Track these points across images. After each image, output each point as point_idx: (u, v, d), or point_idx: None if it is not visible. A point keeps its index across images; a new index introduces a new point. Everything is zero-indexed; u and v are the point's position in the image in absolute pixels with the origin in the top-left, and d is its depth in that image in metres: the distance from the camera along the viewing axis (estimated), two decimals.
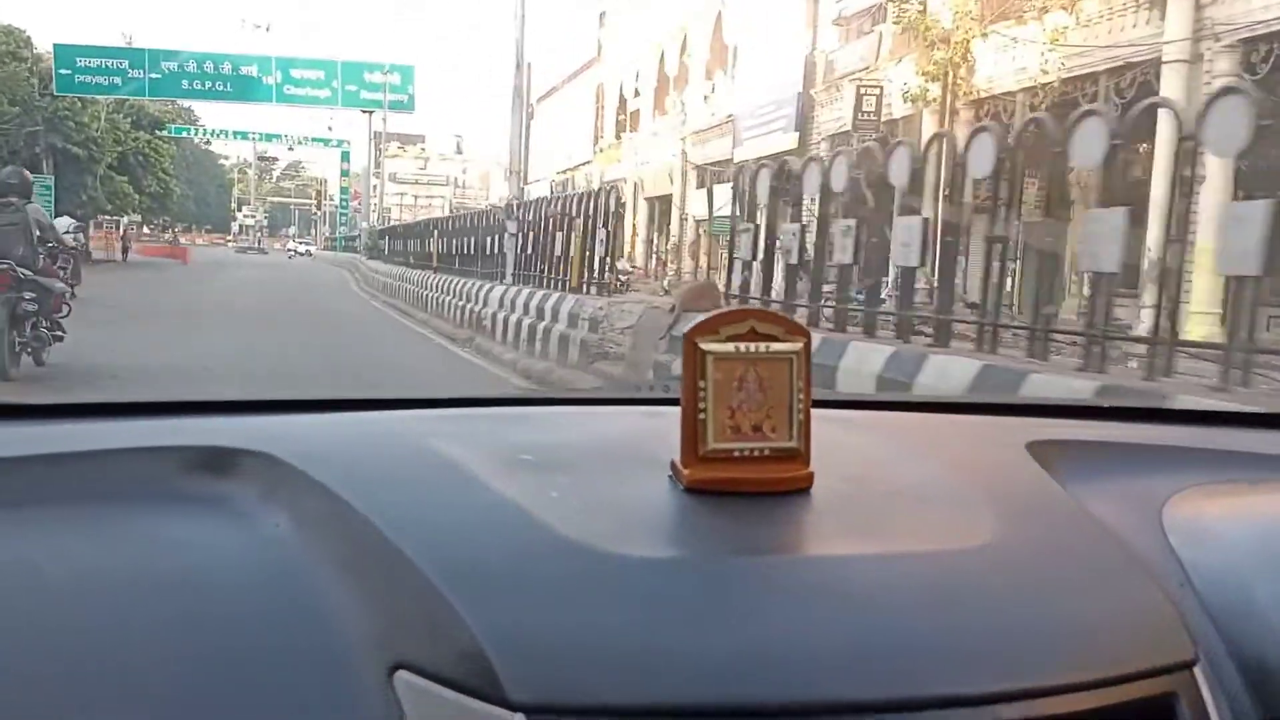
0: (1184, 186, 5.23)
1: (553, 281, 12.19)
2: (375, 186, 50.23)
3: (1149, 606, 0.73)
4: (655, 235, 32.68)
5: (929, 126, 17.25)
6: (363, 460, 0.86)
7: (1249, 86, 5.39)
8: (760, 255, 8.11)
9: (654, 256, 31.11)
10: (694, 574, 0.70)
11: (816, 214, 7.60)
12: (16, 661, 0.63)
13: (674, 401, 0.80)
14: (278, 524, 0.75)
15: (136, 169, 38.09)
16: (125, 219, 42.52)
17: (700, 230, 25.32)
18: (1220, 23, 12.70)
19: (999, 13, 15.77)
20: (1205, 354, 5.14)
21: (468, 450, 0.86)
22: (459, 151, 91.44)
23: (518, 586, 0.67)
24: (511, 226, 13.99)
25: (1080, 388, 4.34)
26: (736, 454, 0.78)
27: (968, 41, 15.99)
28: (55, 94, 32.51)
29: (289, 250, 67.99)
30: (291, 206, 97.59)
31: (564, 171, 41.49)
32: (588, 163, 38.96)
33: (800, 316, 6.80)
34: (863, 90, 18.45)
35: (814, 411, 0.80)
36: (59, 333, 8.53)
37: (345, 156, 65.21)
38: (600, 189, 13.76)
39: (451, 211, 48.62)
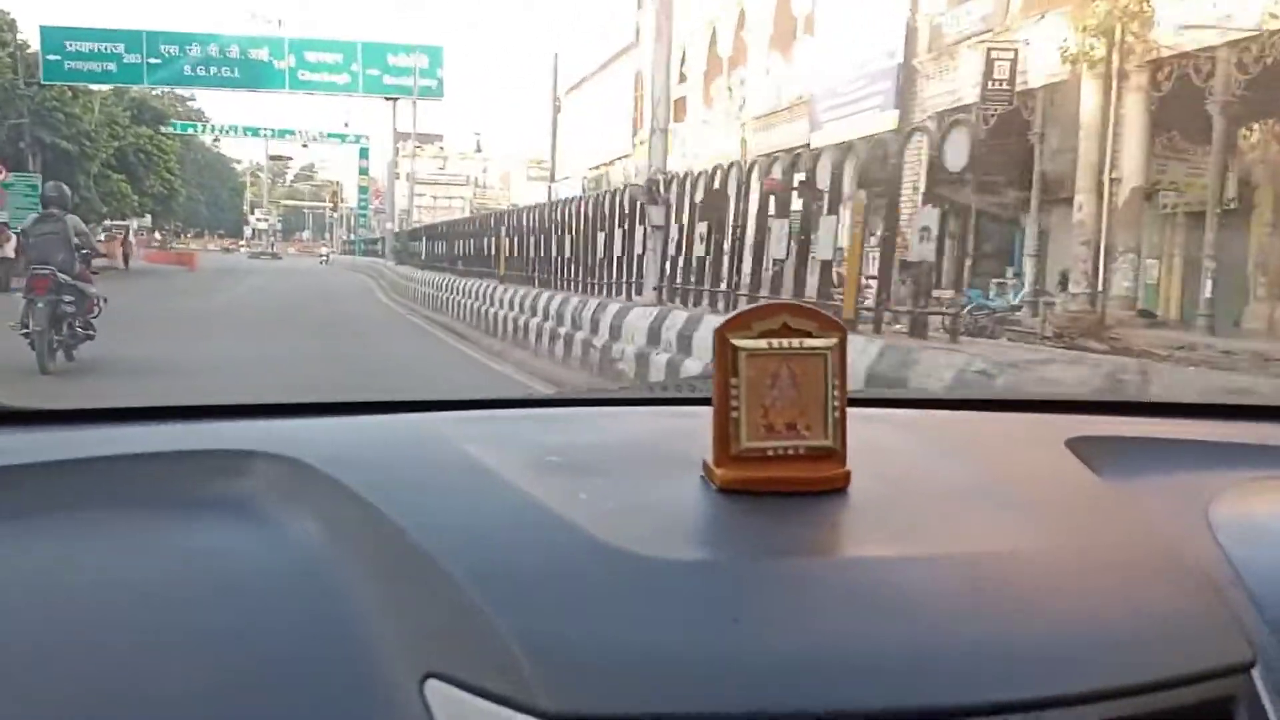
0: None
1: (733, 299, 7.92)
2: (403, 180, 44.34)
3: (1202, 607, 0.70)
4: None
5: (1091, 95, 13.93)
6: (388, 463, 0.85)
7: None
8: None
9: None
10: (729, 577, 0.68)
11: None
12: (43, 670, 0.61)
13: (705, 400, 0.80)
14: (305, 528, 0.73)
15: (137, 167, 35.63)
16: (135, 223, 39.72)
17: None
18: None
19: None
20: None
21: (495, 452, 0.85)
22: (478, 150, 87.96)
23: (550, 592, 0.65)
24: (656, 215, 9.20)
25: None
26: (770, 453, 0.77)
27: None
28: (42, 83, 29.44)
29: (321, 255, 63.26)
30: (305, 210, 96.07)
31: (597, 167, 38.33)
32: (625, 156, 35.77)
33: None
34: (994, 55, 15.15)
35: (849, 410, 0.79)
36: (90, 332, 9.08)
37: (364, 153, 60.43)
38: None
39: (472, 212, 45.17)
